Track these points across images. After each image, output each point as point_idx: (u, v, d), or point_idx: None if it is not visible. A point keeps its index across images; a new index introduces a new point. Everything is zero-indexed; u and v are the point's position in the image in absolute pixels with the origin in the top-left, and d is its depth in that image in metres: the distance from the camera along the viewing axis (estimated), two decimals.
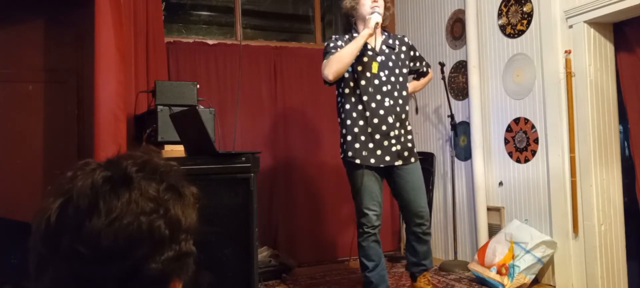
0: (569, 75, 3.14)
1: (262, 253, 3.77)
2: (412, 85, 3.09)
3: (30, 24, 3.50)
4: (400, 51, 2.90)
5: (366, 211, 2.76)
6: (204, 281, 1.95)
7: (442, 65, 3.99)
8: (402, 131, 2.83)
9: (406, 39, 2.98)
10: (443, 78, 3.98)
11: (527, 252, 3.17)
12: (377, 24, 2.70)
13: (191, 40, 4.14)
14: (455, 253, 4.02)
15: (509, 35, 3.61)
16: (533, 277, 3.20)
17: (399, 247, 4.53)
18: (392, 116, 2.77)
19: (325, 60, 2.79)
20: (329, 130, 4.38)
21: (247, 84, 4.18)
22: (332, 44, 2.82)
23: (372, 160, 2.76)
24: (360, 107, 2.78)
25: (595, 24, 3.09)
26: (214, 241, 2.18)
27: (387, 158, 2.78)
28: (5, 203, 3.19)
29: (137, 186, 0.68)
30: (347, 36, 2.88)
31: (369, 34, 2.69)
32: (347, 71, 2.79)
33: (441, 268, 3.84)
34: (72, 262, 0.64)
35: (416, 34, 4.50)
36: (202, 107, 2.93)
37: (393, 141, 2.78)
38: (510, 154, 3.62)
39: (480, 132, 3.81)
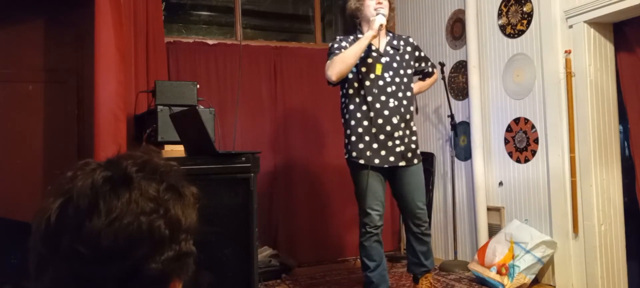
0: (569, 75, 3.14)
1: (262, 253, 3.77)
2: (417, 85, 3.09)
3: (30, 24, 3.49)
4: (405, 52, 2.90)
5: (369, 211, 2.76)
6: (204, 281, 1.95)
7: (442, 65, 4.00)
8: (407, 132, 2.83)
9: (411, 40, 2.98)
10: (443, 78, 3.99)
11: (527, 252, 3.17)
12: (381, 25, 2.70)
13: (191, 40, 4.14)
14: (455, 253, 4.02)
15: (509, 35, 3.61)
16: (533, 277, 3.20)
17: (399, 247, 4.53)
18: (396, 116, 2.77)
19: (329, 61, 2.79)
20: (329, 130, 4.39)
21: (247, 84, 4.19)
22: (336, 45, 2.83)
23: (376, 161, 2.76)
24: (364, 107, 2.78)
25: (595, 24, 3.09)
26: (214, 241, 2.18)
27: (391, 158, 2.78)
28: (5, 203, 3.19)
29: (137, 186, 0.68)
30: (351, 37, 2.89)
31: (372, 35, 2.69)
32: (351, 72, 2.79)
33: (441, 268, 3.84)
34: (72, 262, 0.64)
35: (416, 34, 4.50)
36: (202, 107, 2.93)
37: (397, 142, 2.79)
38: (510, 154, 3.62)
39: (480, 132, 3.81)
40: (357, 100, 2.80)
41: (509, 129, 3.62)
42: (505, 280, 3.16)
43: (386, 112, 2.76)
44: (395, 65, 2.84)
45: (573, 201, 3.13)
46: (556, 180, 3.22)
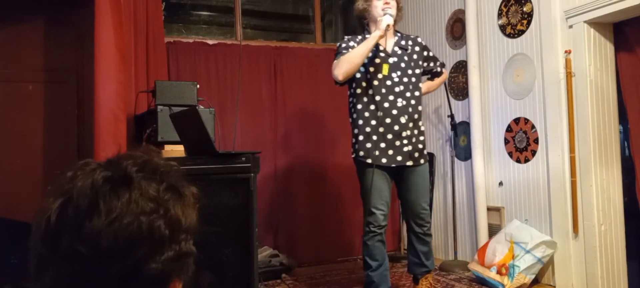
0: (569, 75, 3.14)
1: (262, 253, 3.77)
2: (426, 85, 3.09)
3: (30, 24, 3.49)
4: (413, 52, 2.90)
5: (374, 210, 2.76)
6: (204, 281, 1.95)
7: (442, 65, 3.99)
8: (415, 132, 2.83)
9: (419, 40, 2.99)
10: None
11: (527, 252, 3.17)
12: (388, 25, 2.70)
13: (191, 40, 4.14)
14: (455, 253, 4.02)
15: (509, 35, 3.61)
16: (533, 277, 3.20)
17: (399, 247, 4.53)
18: (404, 116, 2.77)
19: (335, 60, 2.80)
20: (330, 130, 4.38)
21: (247, 84, 4.18)
22: (343, 45, 2.83)
23: (384, 160, 2.76)
24: (372, 106, 2.78)
25: (595, 24, 3.09)
26: (214, 241, 2.18)
27: (399, 158, 2.78)
28: (5, 203, 3.19)
29: (137, 186, 0.68)
30: (359, 37, 2.89)
31: (379, 35, 2.69)
32: (359, 71, 2.79)
33: (441, 268, 3.84)
34: (72, 262, 0.64)
35: (416, 34, 4.49)
36: (202, 107, 2.93)
37: (405, 141, 2.78)
38: (510, 154, 3.62)
39: (480, 132, 3.81)
40: (365, 99, 2.80)
41: (509, 129, 3.62)
42: (505, 280, 3.16)
43: (394, 112, 2.76)
44: (403, 65, 2.84)
45: (573, 201, 3.13)
46: (556, 180, 3.22)
